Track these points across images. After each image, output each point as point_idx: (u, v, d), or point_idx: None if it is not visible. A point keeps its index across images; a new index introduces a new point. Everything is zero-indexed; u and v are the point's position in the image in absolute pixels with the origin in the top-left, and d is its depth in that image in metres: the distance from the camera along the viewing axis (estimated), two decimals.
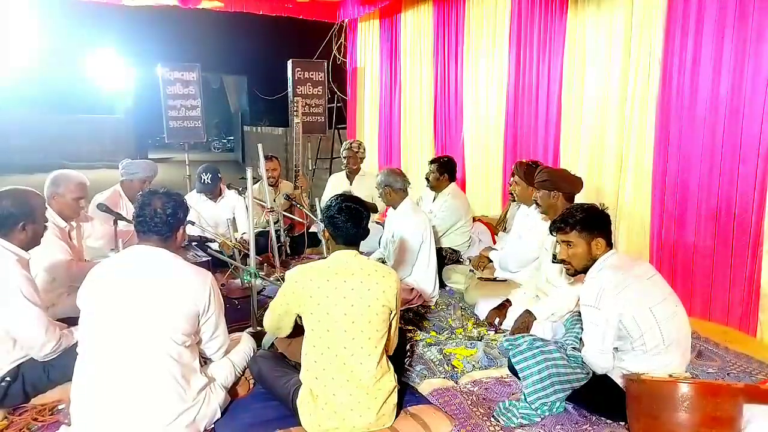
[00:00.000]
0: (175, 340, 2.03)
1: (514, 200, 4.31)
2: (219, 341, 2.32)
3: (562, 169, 3.75)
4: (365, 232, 2.35)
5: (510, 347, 2.48)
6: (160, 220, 2.11)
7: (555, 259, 3.14)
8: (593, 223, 2.38)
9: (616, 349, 2.30)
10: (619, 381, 2.27)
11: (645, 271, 2.37)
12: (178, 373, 2.02)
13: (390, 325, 2.25)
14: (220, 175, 4.72)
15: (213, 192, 4.69)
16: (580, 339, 2.54)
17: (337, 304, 2.12)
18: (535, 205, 3.39)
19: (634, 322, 2.21)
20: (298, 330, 2.32)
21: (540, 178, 3.27)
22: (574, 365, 2.35)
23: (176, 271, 2.12)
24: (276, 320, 2.34)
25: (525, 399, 2.32)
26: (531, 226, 3.64)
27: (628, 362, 2.29)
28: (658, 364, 2.22)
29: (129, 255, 2.15)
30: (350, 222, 2.26)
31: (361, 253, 2.34)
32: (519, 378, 2.43)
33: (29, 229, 2.37)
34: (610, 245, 2.40)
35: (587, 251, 2.38)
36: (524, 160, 4.06)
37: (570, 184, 3.24)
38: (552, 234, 2.57)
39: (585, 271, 2.44)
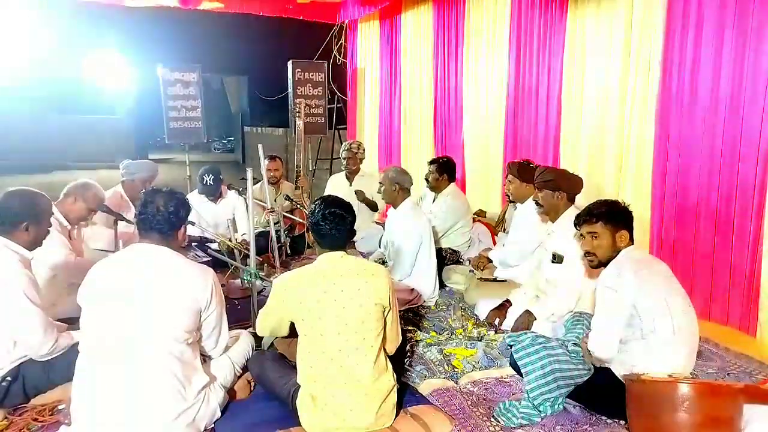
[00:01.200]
0: (177, 338, 2.03)
1: (510, 201, 4.33)
2: (220, 338, 2.32)
3: (563, 169, 3.77)
4: (350, 235, 2.33)
5: (513, 343, 2.49)
6: (163, 218, 2.12)
7: (554, 260, 3.16)
8: (619, 216, 2.45)
9: (623, 342, 2.30)
10: (621, 376, 2.27)
11: (663, 270, 2.41)
12: (180, 372, 2.03)
13: (385, 322, 2.25)
14: (221, 177, 4.73)
15: (215, 194, 4.70)
16: (582, 338, 2.54)
17: (328, 308, 2.11)
18: (535, 205, 3.40)
19: (648, 308, 2.23)
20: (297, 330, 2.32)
21: (543, 178, 3.27)
22: (576, 361, 2.36)
23: (178, 268, 2.13)
24: (269, 328, 2.35)
25: (527, 395, 2.32)
26: (524, 219, 3.76)
27: (632, 354, 2.28)
28: (663, 356, 2.22)
29: (130, 252, 2.16)
30: (334, 229, 2.25)
31: (362, 254, 2.34)
32: (521, 374, 2.43)
33: (32, 231, 2.39)
34: (632, 240, 2.44)
35: (612, 243, 2.44)
36: (516, 160, 4.16)
37: (572, 183, 3.25)
38: (576, 227, 2.60)
39: (607, 263, 2.48)
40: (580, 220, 2.55)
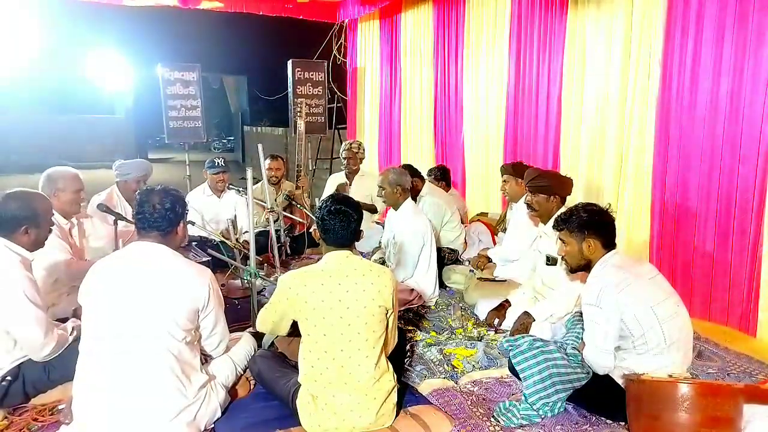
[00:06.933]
0: (175, 336, 2.04)
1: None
2: (218, 337, 2.33)
3: (554, 172, 3.78)
4: (356, 235, 2.33)
5: (510, 347, 2.49)
6: (159, 215, 2.13)
7: (548, 262, 3.16)
8: (586, 225, 2.40)
9: (618, 348, 2.30)
10: (620, 381, 2.27)
11: (647, 271, 2.38)
12: (179, 370, 2.03)
13: (387, 324, 2.25)
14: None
15: (226, 173, 4.74)
16: (581, 339, 2.54)
17: (332, 308, 2.11)
18: (527, 208, 3.40)
19: (635, 321, 2.21)
20: (298, 329, 2.32)
21: (538, 183, 3.27)
22: (575, 365, 2.35)
23: (176, 267, 2.13)
24: (271, 325, 2.35)
25: (526, 399, 2.32)
26: (520, 215, 3.84)
27: (629, 362, 2.28)
28: (659, 364, 2.22)
29: (129, 251, 2.16)
30: (339, 225, 2.25)
31: (361, 253, 2.33)
32: (519, 379, 2.43)
33: (32, 233, 2.38)
34: (608, 246, 2.40)
35: (579, 250, 2.43)
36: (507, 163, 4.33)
37: (565, 186, 3.28)
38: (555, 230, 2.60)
39: (580, 269, 2.47)
40: (553, 225, 2.55)
